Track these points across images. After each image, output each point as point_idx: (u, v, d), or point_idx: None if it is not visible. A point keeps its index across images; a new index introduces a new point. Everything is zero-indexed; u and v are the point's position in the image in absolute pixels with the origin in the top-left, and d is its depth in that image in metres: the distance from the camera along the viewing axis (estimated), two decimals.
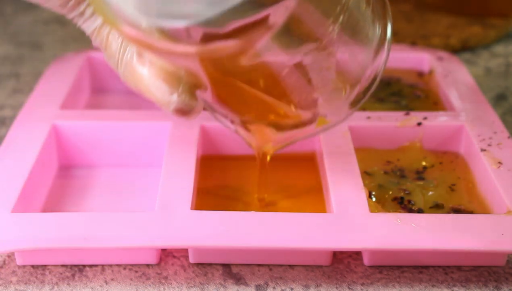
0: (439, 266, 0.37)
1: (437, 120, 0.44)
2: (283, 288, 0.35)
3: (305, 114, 0.35)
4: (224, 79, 0.32)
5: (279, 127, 0.36)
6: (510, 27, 0.65)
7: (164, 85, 0.32)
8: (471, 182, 0.41)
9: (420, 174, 0.42)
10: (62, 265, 0.37)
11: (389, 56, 0.35)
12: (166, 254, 0.37)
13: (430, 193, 0.40)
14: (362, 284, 0.36)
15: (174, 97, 0.32)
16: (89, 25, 0.33)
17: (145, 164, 0.44)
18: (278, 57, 0.30)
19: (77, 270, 0.36)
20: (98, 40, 0.34)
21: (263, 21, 0.26)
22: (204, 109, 0.35)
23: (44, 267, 0.37)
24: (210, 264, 0.37)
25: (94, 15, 0.33)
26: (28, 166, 0.39)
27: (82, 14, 0.33)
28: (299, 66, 0.31)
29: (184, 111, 0.33)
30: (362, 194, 0.37)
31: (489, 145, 0.42)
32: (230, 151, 0.44)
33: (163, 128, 0.43)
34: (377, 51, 0.34)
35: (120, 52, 0.33)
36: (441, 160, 0.43)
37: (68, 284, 0.36)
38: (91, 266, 0.37)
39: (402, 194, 0.40)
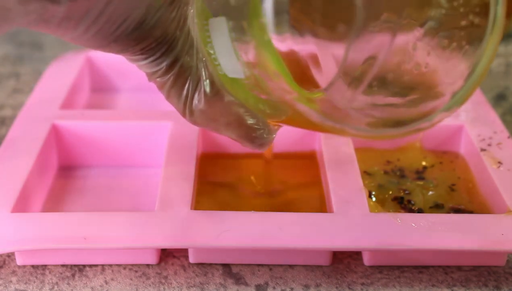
0: (439, 266, 0.37)
1: None
2: (283, 288, 0.35)
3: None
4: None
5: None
6: (510, 27, 0.65)
7: (251, 120, 0.32)
8: (471, 182, 0.41)
9: (420, 174, 0.42)
10: (62, 265, 0.37)
11: None
12: (166, 254, 0.37)
13: (430, 193, 0.40)
14: (362, 284, 0.36)
15: (261, 133, 0.32)
16: (154, 65, 0.31)
17: (145, 164, 0.44)
18: None
19: (77, 270, 0.36)
20: (161, 80, 0.31)
21: None
22: None
23: (44, 267, 0.37)
24: (210, 264, 0.37)
25: (164, 55, 0.31)
26: (28, 166, 0.39)
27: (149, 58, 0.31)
28: None
29: (265, 144, 0.33)
30: (362, 194, 0.37)
31: (489, 145, 0.42)
32: (230, 149, 0.44)
33: (163, 128, 0.43)
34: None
35: (191, 89, 0.31)
36: (441, 160, 0.43)
37: (68, 284, 0.36)
38: (91, 266, 0.37)
39: (402, 194, 0.40)
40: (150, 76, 0.32)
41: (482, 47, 0.28)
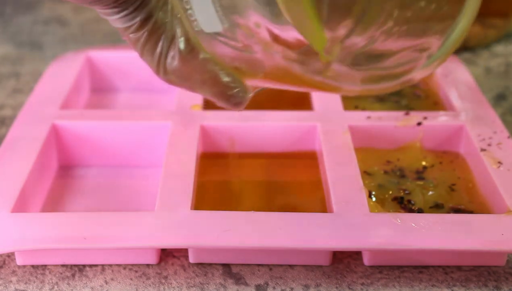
0: (439, 266, 0.37)
1: (437, 120, 0.44)
2: (283, 288, 0.35)
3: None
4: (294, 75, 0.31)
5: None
6: (510, 27, 0.65)
7: (226, 77, 0.31)
8: (471, 181, 0.41)
9: (420, 174, 0.42)
10: (62, 265, 0.37)
11: None
12: (166, 254, 0.37)
13: (430, 192, 0.40)
14: (362, 284, 0.36)
15: (236, 92, 0.32)
16: (127, 20, 0.31)
17: (145, 164, 0.44)
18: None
19: (77, 270, 0.36)
20: (135, 36, 0.31)
21: None
22: None
23: (44, 267, 0.37)
24: (210, 264, 0.37)
25: (137, 10, 0.31)
26: (28, 166, 0.39)
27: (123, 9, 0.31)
28: None
29: (240, 103, 0.32)
30: (362, 194, 0.37)
31: (489, 145, 0.42)
32: (230, 149, 0.44)
33: (163, 128, 0.43)
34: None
35: (165, 45, 0.31)
36: (441, 160, 0.43)
37: (68, 284, 0.36)
38: (91, 266, 0.37)
39: (402, 194, 0.40)
40: (123, 32, 0.31)
41: (462, 7, 0.29)
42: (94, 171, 0.44)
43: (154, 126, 0.44)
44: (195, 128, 0.43)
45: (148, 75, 0.50)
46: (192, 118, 0.44)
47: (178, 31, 0.31)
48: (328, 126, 0.43)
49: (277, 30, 0.28)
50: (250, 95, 0.33)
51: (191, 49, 0.31)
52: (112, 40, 0.63)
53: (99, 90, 0.53)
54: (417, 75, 0.30)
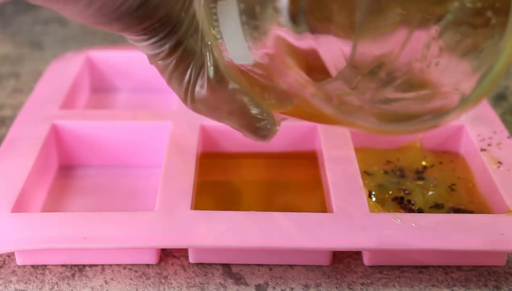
0: (439, 266, 0.37)
1: None
2: (283, 288, 0.35)
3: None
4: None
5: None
6: None
7: (255, 109, 0.31)
8: (471, 181, 0.41)
9: (420, 174, 0.42)
10: (62, 265, 0.37)
11: None
12: (166, 254, 0.37)
13: (430, 192, 0.40)
14: (362, 284, 0.36)
15: (264, 124, 0.31)
16: (155, 47, 0.30)
17: (145, 164, 0.44)
18: None
19: (77, 270, 0.36)
20: (163, 63, 0.31)
21: None
22: None
23: (44, 267, 0.37)
24: (210, 264, 0.37)
25: (166, 37, 0.30)
26: (28, 166, 0.39)
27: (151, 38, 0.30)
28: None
29: (267, 136, 0.32)
30: (362, 193, 0.37)
31: (489, 145, 0.42)
32: (230, 149, 0.44)
33: (163, 128, 0.43)
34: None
35: (194, 74, 0.30)
36: (441, 160, 0.43)
37: (68, 284, 0.36)
38: (91, 266, 0.37)
39: (402, 194, 0.40)
40: (152, 58, 0.31)
41: (501, 45, 0.26)
42: (94, 171, 0.44)
43: (154, 126, 0.44)
44: (195, 128, 0.43)
45: (148, 75, 0.50)
46: (192, 118, 0.44)
47: (208, 60, 0.30)
48: (328, 126, 0.43)
49: (300, 44, 0.27)
50: (278, 128, 0.32)
51: (221, 78, 0.30)
52: (112, 40, 0.63)
53: (99, 90, 0.53)
54: (446, 118, 0.27)
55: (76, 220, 0.35)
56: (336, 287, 0.35)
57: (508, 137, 0.42)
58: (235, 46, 0.28)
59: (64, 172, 0.44)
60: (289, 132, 0.44)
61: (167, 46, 0.30)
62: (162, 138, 0.43)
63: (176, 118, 0.44)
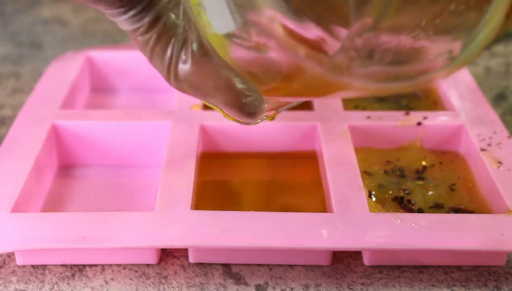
0: (439, 266, 0.37)
1: (437, 120, 0.44)
2: (283, 288, 0.35)
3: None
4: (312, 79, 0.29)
5: None
6: (510, 27, 0.65)
7: (241, 84, 0.30)
8: (471, 181, 0.41)
9: (420, 174, 0.42)
10: (62, 265, 0.37)
11: None
12: (166, 254, 0.37)
13: (430, 192, 0.40)
14: (362, 284, 0.36)
15: (251, 100, 0.30)
16: (134, 21, 0.30)
17: (145, 164, 0.44)
18: None
19: (77, 270, 0.36)
20: (143, 39, 0.30)
21: None
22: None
23: (44, 267, 0.37)
24: (210, 264, 0.37)
25: (144, 11, 0.30)
26: (28, 166, 0.39)
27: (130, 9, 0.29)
28: None
29: (255, 114, 0.31)
30: (362, 193, 0.37)
31: (489, 145, 0.42)
32: (230, 149, 0.44)
33: (163, 128, 0.43)
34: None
35: (176, 48, 0.30)
36: (441, 160, 0.43)
37: (68, 283, 0.36)
38: (91, 266, 0.37)
39: (402, 194, 0.40)
40: (132, 34, 0.30)
41: (490, 8, 0.27)
42: (94, 171, 0.44)
43: (154, 126, 0.44)
44: (195, 128, 0.43)
45: (148, 75, 0.50)
46: (192, 118, 0.44)
47: (191, 35, 0.30)
48: (328, 126, 0.43)
49: (292, 25, 0.27)
50: (266, 105, 0.31)
51: (205, 52, 0.30)
52: (112, 40, 0.63)
53: (99, 90, 0.53)
54: (435, 77, 0.28)
55: (76, 220, 0.35)
56: (336, 287, 0.35)
57: (508, 137, 0.42)
58: (217, 16, 0.28)
59: (64, 172, 0.44)
60: (289, 132, 0.44)
61: (146, 20, 0.29)
62: (162, 138, 0.43)
63: (176, 118, 0.44)
